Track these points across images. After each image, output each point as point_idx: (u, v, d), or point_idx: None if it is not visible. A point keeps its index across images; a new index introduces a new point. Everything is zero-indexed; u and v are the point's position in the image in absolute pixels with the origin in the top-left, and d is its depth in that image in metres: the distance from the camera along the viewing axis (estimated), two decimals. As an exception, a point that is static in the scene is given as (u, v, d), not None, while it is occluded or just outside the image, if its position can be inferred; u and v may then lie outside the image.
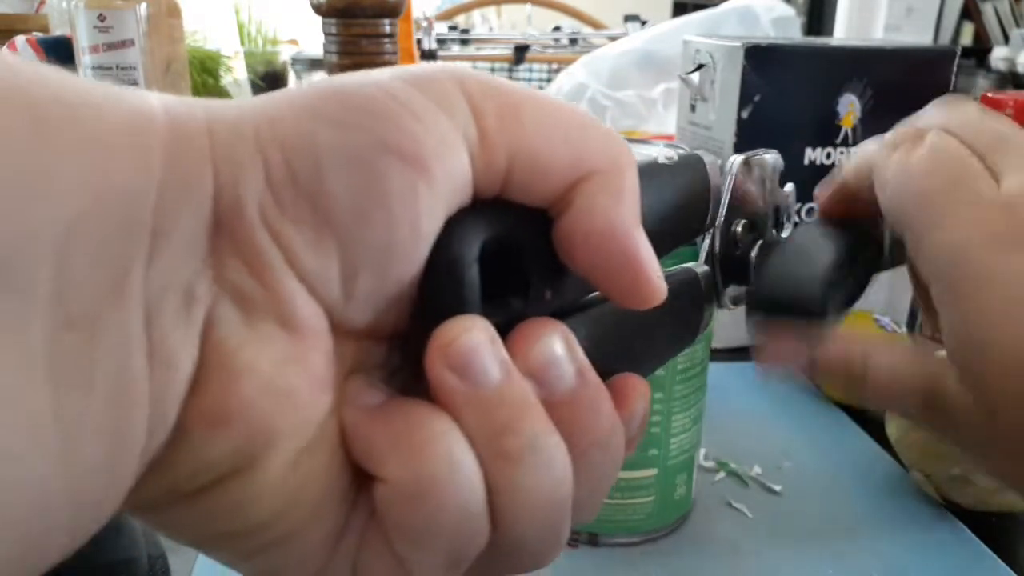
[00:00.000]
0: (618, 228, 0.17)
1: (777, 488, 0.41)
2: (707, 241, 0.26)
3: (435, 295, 0.17)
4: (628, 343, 0.22)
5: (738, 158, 0.27)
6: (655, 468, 0.37)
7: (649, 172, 0.22)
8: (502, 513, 0.16)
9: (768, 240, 0.29)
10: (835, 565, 0.36)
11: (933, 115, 0.28)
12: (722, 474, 0.43)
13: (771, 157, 0.29)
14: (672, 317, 0.24)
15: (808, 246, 0.28)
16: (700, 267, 0.26)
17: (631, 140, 0.45)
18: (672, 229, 0.23)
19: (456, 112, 0.16)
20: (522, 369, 0.17)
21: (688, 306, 0.25)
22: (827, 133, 0.54)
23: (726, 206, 0.26)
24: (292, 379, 0.15)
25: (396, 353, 0.18)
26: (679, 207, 0.23)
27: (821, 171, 0.55)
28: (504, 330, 0.17)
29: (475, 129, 0.16)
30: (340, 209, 0.15)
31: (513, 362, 0.17)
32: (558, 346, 0.17)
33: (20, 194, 0.12)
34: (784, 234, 0.31)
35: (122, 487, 0.14)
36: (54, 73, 0.14)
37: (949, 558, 0.37)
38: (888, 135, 0.28)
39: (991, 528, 0.38)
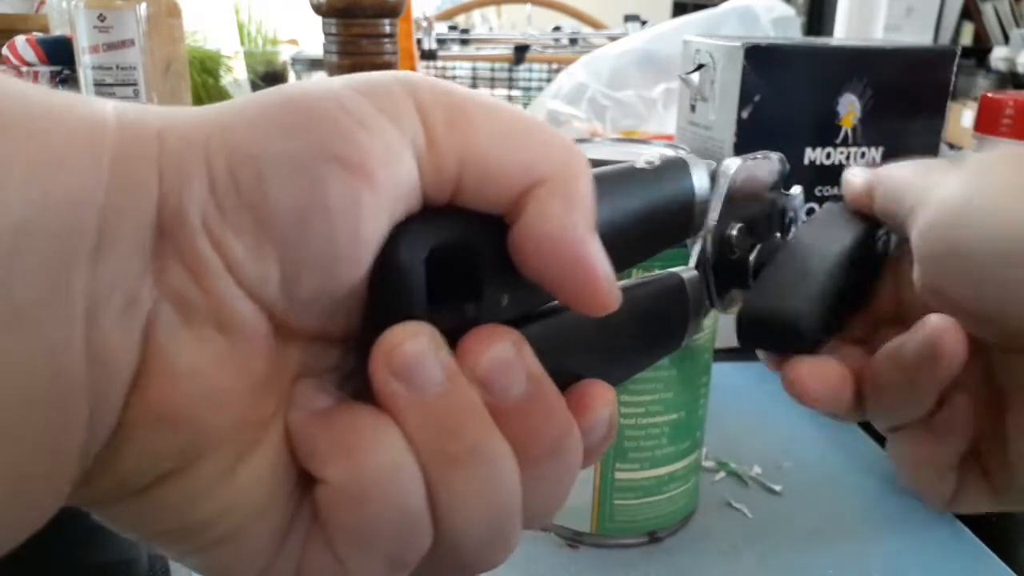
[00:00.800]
0: (568, 235, 0.17)
1: (777, 488, 0.41)
2: (698, 245, 0.26)
3: (379, 301, 0.17)
4: (595, 349, 0.21)
5: (734, 161, 0.26)
6: (666, 466, 0.36)
7: (625, 177, 0.22)
8: (444, 517, 0.17)
9: (768, 244, 0.29)
10: (835, 565, 0.36)
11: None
12: (722, 474, 0.43)
13: (773, 159, 0.29)
14: (649, 322, 0.24)
15: (804, 261, 0.27)
16: (688, 272, 0.25)
17: (631, 140, 0.45)
18: (649, 234, 0.23)
19: (404, 119, 0.16)
20: (469, 375, 0.17)
21: (670, 310, 0.24)
22: (827, 133, 0.54)
23: (719, 210, 0.26)
24: (230, 381, 0.15)
25: (350, 356, 0.18)
26: (656, 212, 0.23)
27: (821, 171, 0.55)
28: (456, 336, 0.17)
29: (423, 136, 0.17)
30: (280, 217, 0.15)
31: (461, 367, 0.17)
32: (507, 352, 0.17)
33: None
34: (788, 237, 0.30)
35: (62, 483, 0.15)
36: (9, 80, 0.14)
37: (949, 558, 0.37)
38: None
39: (991, 528, 0.38)
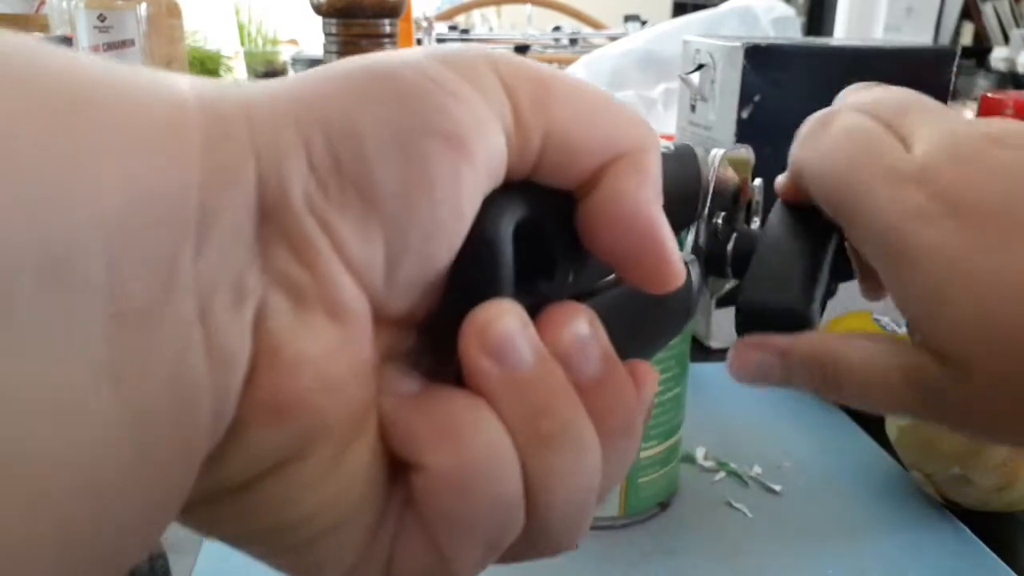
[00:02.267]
0: (643, 210, 0.17)
1: (777, 488, 0.41)
2: (692, 233, 0.27)
3: (471, 276, 0.16)
4: (637, 328, 0.22)
5: (719, 152, 0.27)
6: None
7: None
8: (537, 496, 0.16)
9: (741, 232, 0.29)
10: (835, 565, 0.36)
11: (837, 99, 0.29)
12: (722, 474, 0.43)
13: (746, 152, 0.30)
14: (673, 303, 0.24)
15: (785, 251, 0.28)
16: (688, 256, 0.26)
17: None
18: (668, 218, 0.24)
19: (491, 92, 0.16)
20: (552, 352, 0.17)
21: (680, 294, 0.25)
22: (827, 133, 0.54)
23: (709, 199, 0.26)
24: (342, 370, 0.15)
25: (422, 338, 0.18)
26: (674, 196, 0.24)
27: (821, 171, 0.55)
28: (532, 313, 0.17)
29: (510, 110, 0.16)
30: (385, 194, 0.15)
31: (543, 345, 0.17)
32: (585, 329, 0.17)
33: (66, 193, 0.12)
34: (753, 227, 0.31)
35: (188, 485, 0.14)
36: (86, 60, 0.13)
37: (949, 558, 0.37)
38: (801, 127, 0.28)
39: (991, 528, 0.38)
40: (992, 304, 0.22)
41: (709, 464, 0.43)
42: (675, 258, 0.18)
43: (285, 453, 0.15)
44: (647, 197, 0.17)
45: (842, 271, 0.30)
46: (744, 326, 0.27)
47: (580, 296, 0.20)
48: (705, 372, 0.54)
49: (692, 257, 0.26)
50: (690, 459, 0.44)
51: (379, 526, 0.16)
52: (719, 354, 0.58)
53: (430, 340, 0.17)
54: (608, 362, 0.18)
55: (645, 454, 0.38)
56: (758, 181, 0.31)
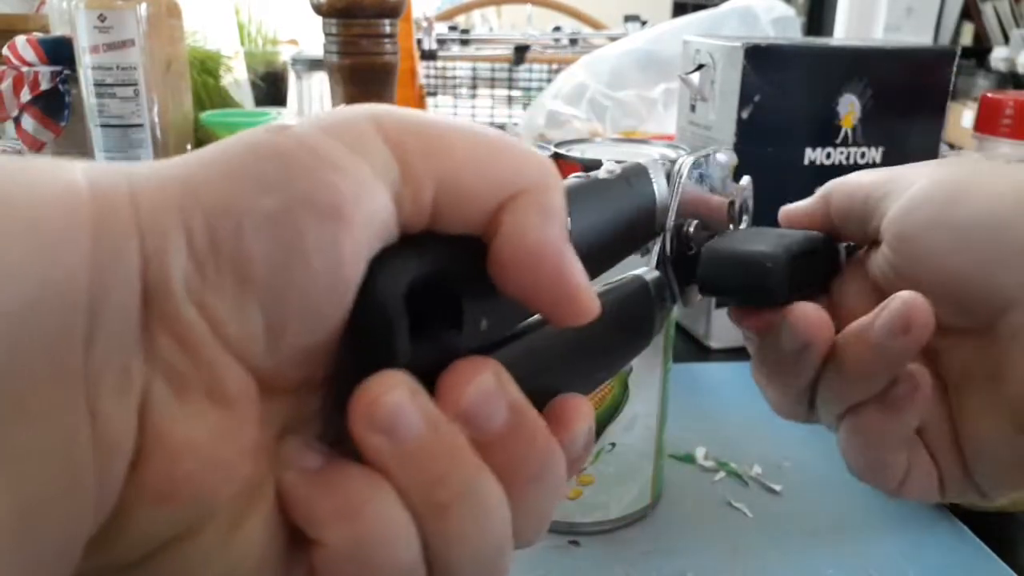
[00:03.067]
0: (547, 247, 0.17)
1: (777, 488, 0.41)
2: (658, 245, 0.26)
3: (361, 342, 0.17)
4: (573, 361, 0.22)
5: (687, 160, 0.27)
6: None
7: (591, 189, 0.22)
8: (438, 560, 0.17)
9: (721, 235, 0.29)
10: (835, 565, 0.36)
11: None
12: (722, 474, 0.43)
13: (723, 156, 0.30)
14: (621, 327, 0.24)
15: (764, 232, 0.28)
16: (651, 273, 0.26)
17: (631, 140, 0.45)
18: (617, 242, 0.24)
19: (374, 154, 0.16)
20: (452, 413, 0.17)
21: (637, 313, 0.25)
22: (827, 133, 0.54)
23: (675, 209, 0.26)
24: (228, 451, 0.15)
25: (326, 401, 0.18)
26: (623, 220, 0.24)
27: (821, 171, 0.55)
28: (438, 366, 0.17)
29: (396, 167, 0.17)
30: (261, 271, 0.15)
31: (443, 405, 0.17)
32: (488, 385, 0.17)
33: None
34: (742, 227, 0.31)
35: (71, 568, 0.14)
36: None
37: (949, 558, 0.37)
38: (905, 184, 0.28)
39: (991, 528, 0.38)
40: None
41: (709, 464, 0.43)
42: (584, 292, 0.18)
43: (174, 532, 0.15)
44: (549, 233, 0.17)
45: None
46: (706, 282, 0.27)
47: (506, 338, 0.19)
48: (705, 372, 0.54)
49: (655, 273, 0.26)
50: (690, 459, 0.44)
51: None
52: (719, 354, 0.58)
53: (336, 402, 0.17)
54: (516, 413, 0.18)
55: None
56: (745, 179, 0.31)
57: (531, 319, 0.20)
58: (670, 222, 0.26)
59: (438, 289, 0.17)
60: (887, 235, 0.27)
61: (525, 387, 0.18)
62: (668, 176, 0.26)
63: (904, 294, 0.25)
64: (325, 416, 0.18)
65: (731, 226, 0.30)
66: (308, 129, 0.16)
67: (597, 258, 0.22)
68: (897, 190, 0.27)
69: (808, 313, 0.26)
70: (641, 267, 0.26)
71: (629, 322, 0.25)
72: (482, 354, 0.18)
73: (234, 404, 0.15)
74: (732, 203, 0.30)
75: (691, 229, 0.27)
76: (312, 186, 0.15)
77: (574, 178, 0.22)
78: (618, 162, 0.25)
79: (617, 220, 0.23)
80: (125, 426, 0.14)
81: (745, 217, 0.31)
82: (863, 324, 0.25)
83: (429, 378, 0.17)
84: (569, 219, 0.18)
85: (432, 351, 0.17)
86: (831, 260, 0.30)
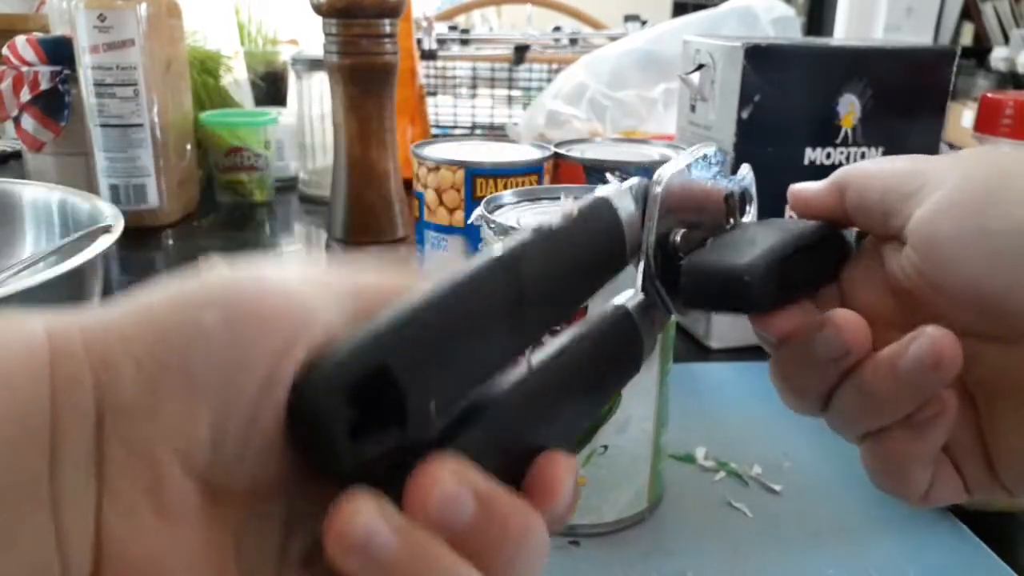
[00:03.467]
0: None
1: (777, 488, 0.41)
2: (641, 265, 0.25)
3: (304, 449, 0.17)
4: (554, 415, 0.21)
5: (666, 170, 0.26)
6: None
7: (547, 241, 0.22)
8: None
9: (720, 236, 0.28)
10: (835, 565, 0.36)
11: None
12: (722, 474, 0.43)
13: (710, 149, 0.28)
14: (608, 365, 0.24)
15: (750, 237, 0.27)
16: (634, 298, 0.25)
17: (631, 140, 0.45)
18: (585, 281, 0.23)
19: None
20: (421, 519, 0.17)
21: (624, 347, 0.24)
22: (827, 133, 0.54)
23: (653, 229, 0.25)
24: (176, 563, 0.16)
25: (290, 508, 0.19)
26: (586, 261, 0.23)
27: (821, 171, 0.55)
28: (394, 458, 0.17)
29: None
30: (204, 375, 0.16)
31: (411, 514, 0.17)
32: (450, 487, 0.17)
33: None
34: (747, 218, 0.30)
35: None
36: None
37: (949, 558, 0.37)
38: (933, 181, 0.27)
39: (991, 528, 0.38)
40: None
41: (709, 464, 0.43)
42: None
43: None
44: None
45: (826, 277, 0.29)
46: (688, 293, 0.26)
47: (472, 409, 0.19)
48: (705, 372, 0.54)
49: (640, 297, 0.25)
50: (690, 459, 0.44)
51: None
52: (719, 354, 0.58)
53: (293, 514, 0.18)
54: (485, 503, 0.18)
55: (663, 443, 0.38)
56: (744, 168, 0.30)
57: (489, 392, 0.20)
58: (649, 240, 0.25)
59: (377, 382, 0.17)
60: (913, 238, 0.25)
61: (502, 458, 0.18)
62: (646, 189, 0.25)
63: (932, 330, 0.24)
64: (287, 525, 0.18)
65: (731, 220, 0.29)
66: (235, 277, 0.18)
67: (563, 305, 0.22)
68: (923, 190, 0.25)
69: (850, 321, 0.25)
70: (626, 290, 0.25)
71: (616, 358, 0.24)
72: (449, 433, 0.18)
73: (184, 516, 0.16)
74: (729, 197, 0.29)
75: (677, 238, 0.26)
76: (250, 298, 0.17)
77: (527, 233, 0.21)
78: (575, 198, 0.24)
79: (580, 264, 0.23)
80: (83, 545, 0.15)
81: (750, 207, 0.30)
82: (889, 357, 0.25)
83: (391, 472, 0.17)
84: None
85: (381, 446, 0.17)
86: (839, 249, 0.29)
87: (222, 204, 0.91)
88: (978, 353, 0.25)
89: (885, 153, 0.56)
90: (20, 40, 0.81)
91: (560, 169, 0.58)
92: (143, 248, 0.78)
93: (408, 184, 0.67)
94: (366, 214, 0.73)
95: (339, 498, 0.17)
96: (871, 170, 0.28)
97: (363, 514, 0.16)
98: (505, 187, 0.54)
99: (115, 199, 0.79)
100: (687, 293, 0.26)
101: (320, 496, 0.17)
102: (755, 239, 0.27)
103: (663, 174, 0.26)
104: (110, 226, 0.49)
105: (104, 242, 0.46)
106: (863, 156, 0.56)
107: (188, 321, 0.17)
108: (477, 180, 0.56)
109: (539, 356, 0.21)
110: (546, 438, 0.20)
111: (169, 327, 0.17)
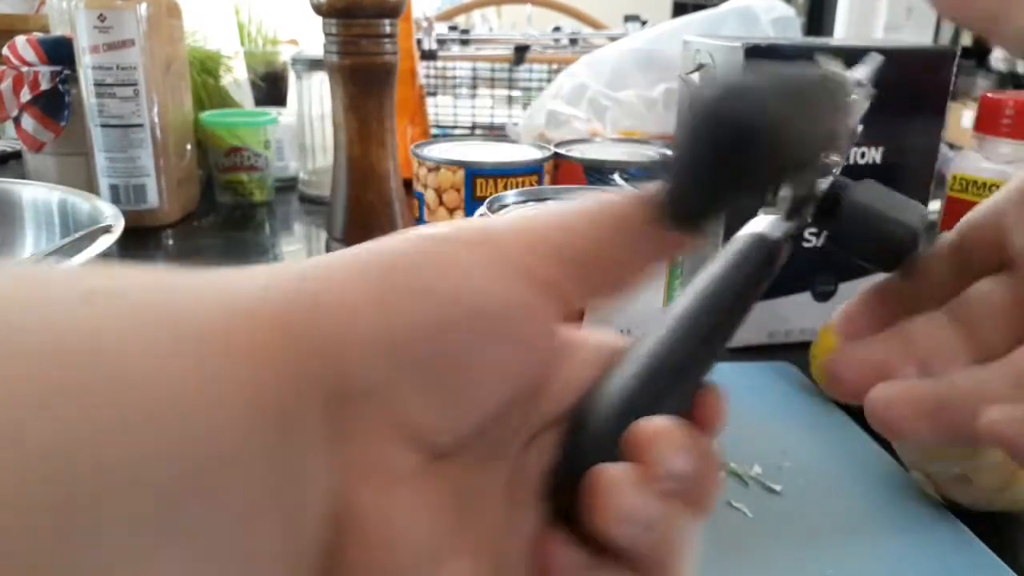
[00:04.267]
0: None
1: (777, 488, 0.42)
2: (790, 195, 0.25)
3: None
4: (709, 348, 0.22)
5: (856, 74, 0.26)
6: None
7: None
8: None
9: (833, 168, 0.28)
10: (835, 565, 0.36)
11: None
12: (722, 474, 0.43)
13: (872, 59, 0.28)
14: (753, 295, 0.23)
15: (886, 192, 0.27)
16: (765, 221, 0.24)
17: (631, 140, 0.45)
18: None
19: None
20: (657, 480, 0.19)
21: (759, 270, 0.23)
22: (827, 133, 0.54)
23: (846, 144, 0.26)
24: (412, 526, 0.17)
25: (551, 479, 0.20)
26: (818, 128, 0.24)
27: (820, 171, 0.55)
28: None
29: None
30: (443, 366, 0.17)
31: (651, 477, 0.18)
32: (679, 443, 0.19)
33: (191, 409, 0.13)
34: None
35: None
36: (191, 285, 0.16)
37: (949, 558, 0.37)
38: None
39: (991, 528, 0.38)
40: None
41: (709, 464, 0.43)
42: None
43: None
44: None
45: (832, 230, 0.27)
46: (847, 241, 0.25)
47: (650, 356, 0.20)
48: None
49: (770, 218, 0.24)
50: (690, 459, 0.44)
51: None
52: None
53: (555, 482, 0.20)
54: (698, 454, 0.19)
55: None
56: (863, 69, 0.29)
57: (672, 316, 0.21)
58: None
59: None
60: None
61: (682, 397, 0.20)
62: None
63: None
64: (514, 463, 0.20)
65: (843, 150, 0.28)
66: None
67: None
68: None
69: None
70: (766, 215, 0.24)
71: (753, 283, 0.23)
72: (636, 383, 0.20)
73: (413, 482, 0.17)
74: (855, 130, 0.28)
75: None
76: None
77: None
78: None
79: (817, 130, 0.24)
80: (325, 524, 0.16)
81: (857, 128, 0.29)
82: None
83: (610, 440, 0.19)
84: None
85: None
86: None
87: (222, 204, 0.91)
88: None
89: (885, 153, 0.56)
90: (20, 40, 0.81)
91: (560, 169, 0.58)
92: (143, 248, 0.78)
93: (408, 184, 0.67)
94: (366, 214, 0.73)
95: (592, 473, 0.18)
96: (980, 208, 0.26)
97: (627, 490, 0.18)
98: (505, 187, 0.54)
99: (115, 199, 0.79)
100: (848, 237, 0.26)
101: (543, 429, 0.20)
102: (898, 200, 0.26)
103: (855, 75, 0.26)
104: (110, 226, 0.49)
105: (104, 242, 0.46)
106: (863, 156, 0.56)
107: (432, 319, 0.17)
108: (477, 180, 0.56)
109: (694, 288, 0.22)
110: (700, 372, 0.21)
111: (415, 322, 0.17)
